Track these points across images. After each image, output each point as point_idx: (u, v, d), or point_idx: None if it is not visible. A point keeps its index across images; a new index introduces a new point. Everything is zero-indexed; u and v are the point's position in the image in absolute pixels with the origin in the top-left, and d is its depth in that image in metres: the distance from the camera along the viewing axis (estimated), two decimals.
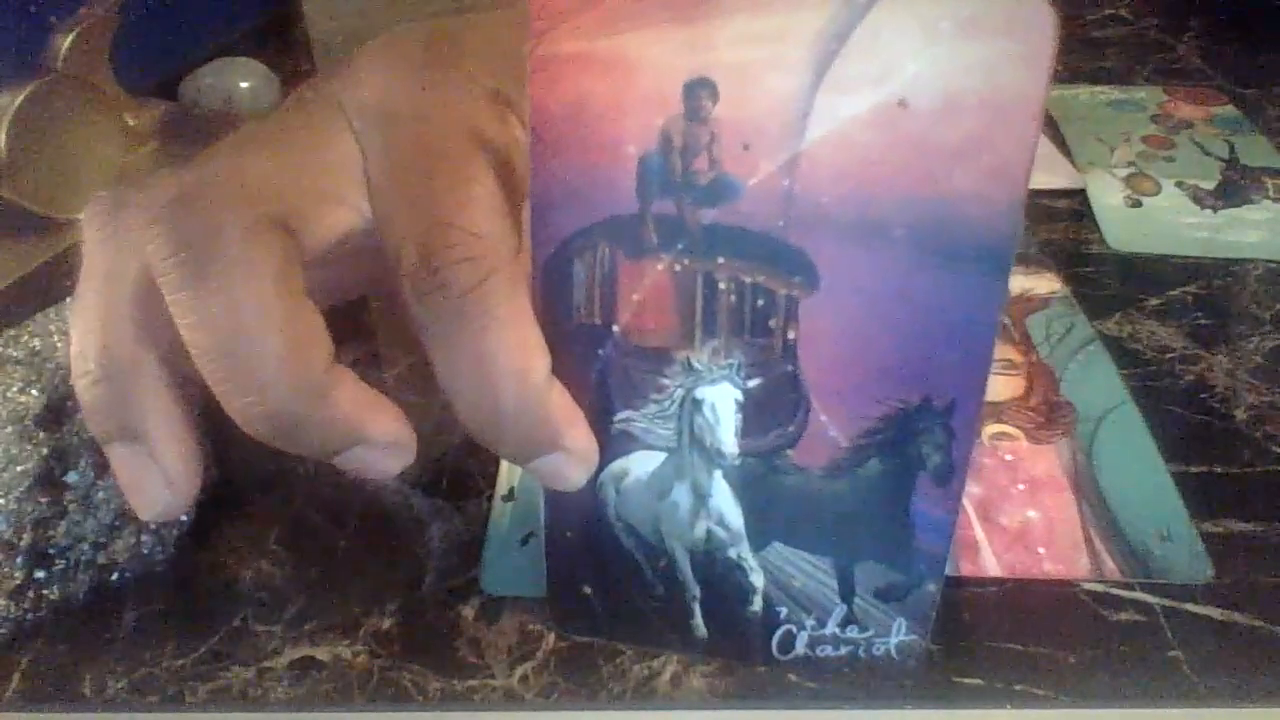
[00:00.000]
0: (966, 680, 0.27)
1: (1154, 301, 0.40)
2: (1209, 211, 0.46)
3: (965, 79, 0.19)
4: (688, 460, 0.24)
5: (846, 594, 0.25)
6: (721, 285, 0.22)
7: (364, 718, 0.27)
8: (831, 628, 0.26)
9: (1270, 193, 0.47)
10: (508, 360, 0.21)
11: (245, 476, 0.33)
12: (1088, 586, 0.29)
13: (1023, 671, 0.27)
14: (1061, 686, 0.26)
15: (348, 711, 0.27)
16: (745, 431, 0.23)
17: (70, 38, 0.43)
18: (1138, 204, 0.46)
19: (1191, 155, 0.50)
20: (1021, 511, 0.31)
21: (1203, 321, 0.39)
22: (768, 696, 0.26)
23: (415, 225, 0.22)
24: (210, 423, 0.26)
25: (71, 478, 0.29)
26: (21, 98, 0.40)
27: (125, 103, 0.47)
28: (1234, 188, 0.47)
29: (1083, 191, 0.47)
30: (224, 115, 0.51)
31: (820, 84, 0.19)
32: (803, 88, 0.20)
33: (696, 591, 0.26)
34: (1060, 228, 0.45)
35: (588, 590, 0.27)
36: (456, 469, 0.33)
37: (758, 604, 0.26)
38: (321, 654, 0.28)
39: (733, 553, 0.25)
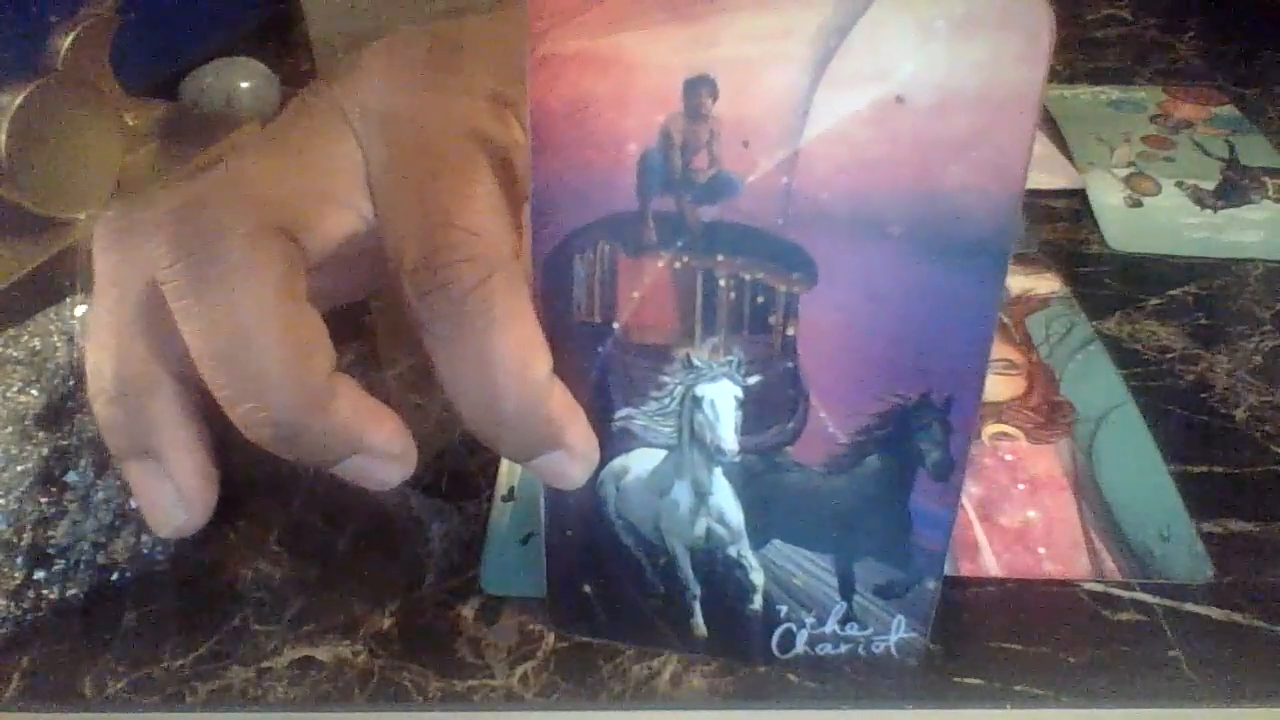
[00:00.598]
0: (966, 680, 0.27)
1: (1154, 301, 0.40)
2: (1209, 211, 0.46)
3: (962, 75, 0.19)
4: (688, 458, 0.24)
5: (846, 591, 0.25)
6: (721, 282, 0.22)
7: (364, 718, 0.27)
8: (831, 625, 0.26)
9: (1270, 193, 0.47)
10: (509, 359, 0.21)
11: (246, 477, 0.33)
12: (1088, 586, 0.29)
13: (1023, 671, 0.27)
14: (1061, 686, 0.26)
15: (348, 711, 0.27)
16: (745, 428, 0.23)
17: (70, 38, 0.43)
18: (1138, 204, 0.46)
19: (1191, 155, 0.50)
20: (1021, 511, 0.31)
21: (1203, 321, 0.39)
22: (768, 696, 0.26)
23: (417, 225, 0.22)
24: (211, 425, 0.26)
25: (71, 478, 0.29)
26: (21, 98, 0.40)
27: (125, 103, 0.47)
28: (1234, 188, 0.47)
29: (1083, 191, 0.47)
30: (224, 115, 0.51)
31: (819, 82, 0.20)
32: (801, 85, 0.20)
33: (697, 590, 0.26)
34: (1060, 228, 0.45)
35: (588, 589, 0.27)
36: (456, 469, 0.33)
37: (758, 602, 0.26)
38: (321, 654, 0.28)
39: (733, 550, 0.25)
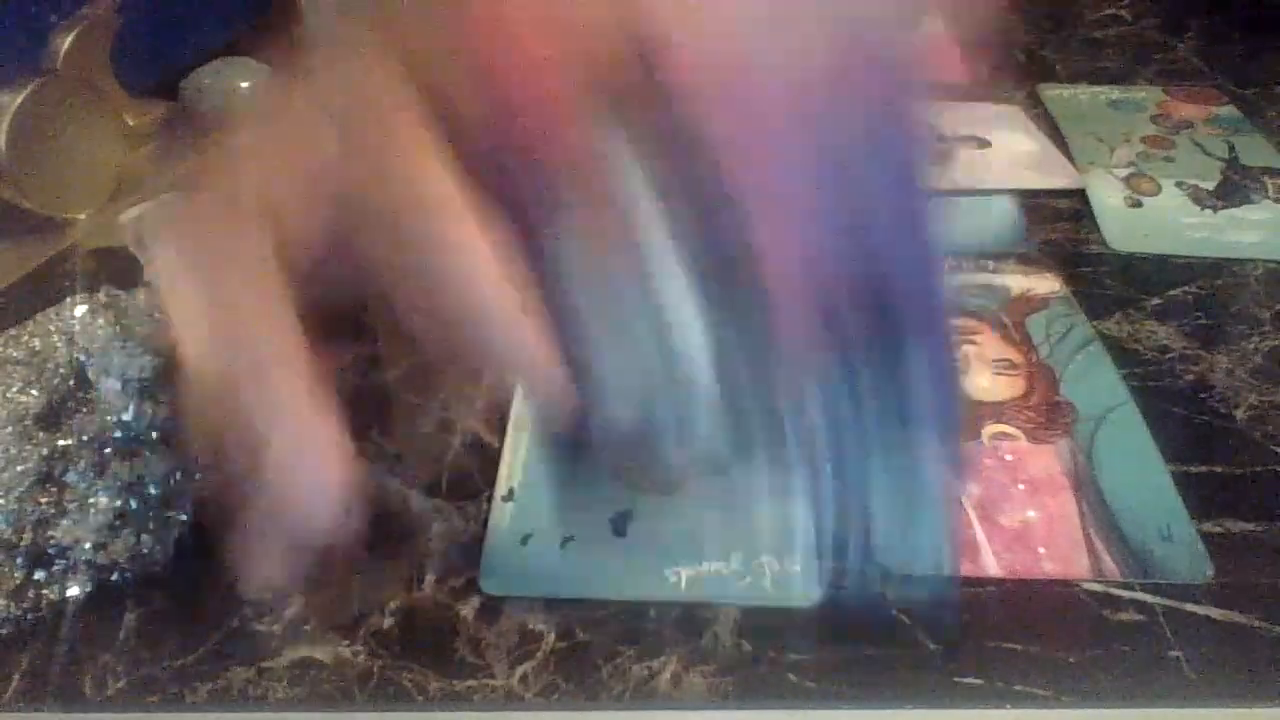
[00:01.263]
0: (966, 680, 0.27)
1: (1154, 301, 0.40)
2: (1209, 211, 0.46)
3: None
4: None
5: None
6: None
7: (364, 718, 0.27)
8: None
9: (1270, 193, 0.47)
10: (476, 280, 0.21)
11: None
12: (1088, 586, 0.29)
13: (1023, 671, 0.27)
14: (1061, 686, 0.26)
15: (348, 711, 0.27)
16: None
17: (70, 38, 0.43)
18: (1138, 204, 0.46)
19: (1191, 155, 0.50)
20: (1021, 511, 0.31)
21: (1203, 321, 0.39)
22: (768, 696, 0.26)
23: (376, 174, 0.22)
24: (210, 425, 0.26)
25: (71, 478, 0.29)
26: (21, 98, 0.40)
27: (125, 103, 0.47)
28: (1234, 188, 0.47)
29: (1083, 191, 0.47)
30: (224, 115, 0.51)
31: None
32: None
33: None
34: (1060, 228, 0.45)
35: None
36: (456, 469, 0.33)
37: None
38: (321, 654, 0.28)
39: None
